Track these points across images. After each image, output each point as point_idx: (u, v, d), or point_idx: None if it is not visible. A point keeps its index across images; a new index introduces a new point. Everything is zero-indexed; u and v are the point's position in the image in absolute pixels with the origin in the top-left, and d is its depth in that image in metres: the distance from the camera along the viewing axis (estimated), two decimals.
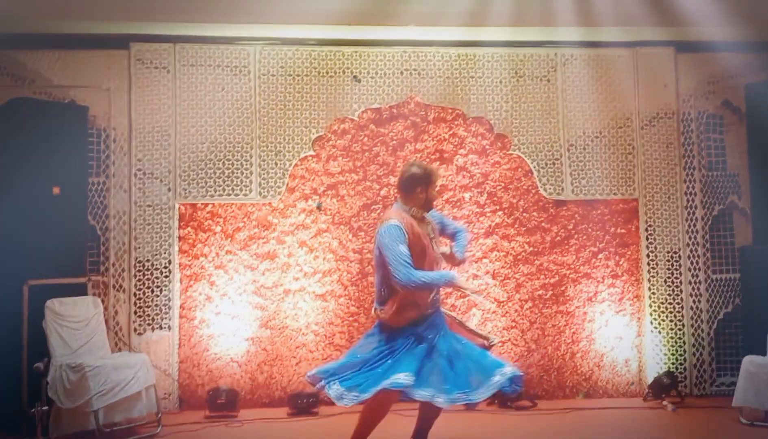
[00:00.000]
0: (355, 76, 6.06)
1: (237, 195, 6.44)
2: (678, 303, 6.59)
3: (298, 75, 6.53)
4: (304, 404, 6.03)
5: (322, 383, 4.37)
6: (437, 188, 4.64)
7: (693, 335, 6.57)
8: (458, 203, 6.62)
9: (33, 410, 5.07)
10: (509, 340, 6.55)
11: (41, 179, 5.66)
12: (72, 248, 5.91)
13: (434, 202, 4.60)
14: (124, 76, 6.34)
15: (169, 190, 6.36)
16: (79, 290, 5.89)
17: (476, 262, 6.58)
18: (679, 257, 6.62)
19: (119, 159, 6.33)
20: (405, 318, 4.35)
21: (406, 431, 4.76)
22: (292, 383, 6.38)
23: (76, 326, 5.58)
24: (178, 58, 6.41)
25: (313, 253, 6.50)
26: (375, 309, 4.49)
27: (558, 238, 6.66)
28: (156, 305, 6.29)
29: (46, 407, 5.07)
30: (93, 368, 5.19)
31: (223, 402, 6.00)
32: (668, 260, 6.62)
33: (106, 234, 6.28)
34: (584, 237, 6.65)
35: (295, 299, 6.46)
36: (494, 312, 6.54)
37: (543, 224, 6.66)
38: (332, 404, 6.18)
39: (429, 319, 4.43)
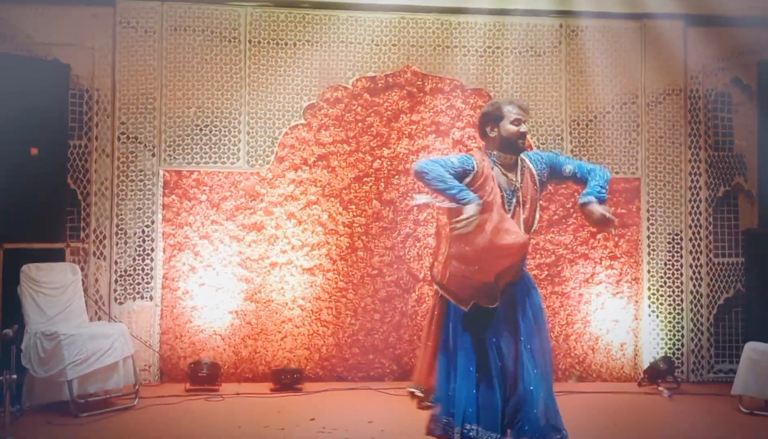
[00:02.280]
0: None
1: (224, 163, 6.21)
2: (677, 287, 6.38)
3: (290, 39, 6.27)
4: (288, 379, 5.87)
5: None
6: (518, 122, 3.64)
7: (692, 320, 6.37)
8: None
9: (1, 378, 4.87)
10: None
11: (19, 139, 5.44)
12: (50, 213, 5.71)
13: (521, 143, 3.68)
14: (109, 34, 6.09)
15: (153, 155, 6.13)
16: (57, 256, 5.73)
17: None
18: (681, 239, 6.40)
19: (102, 122, 6.10)
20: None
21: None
22: (277, 358, 6.20)
23: (52, 292, 5.41)
24: (166, 18, 6.15)
25: (301, 225, 6.29)
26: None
27: (556, 216, 6.43)
28: (138, 275, 6.09)
29: (15, 375, 4.86)
30: (68, 337, 5.04)
31: (204, 376, 5.84)
32: (669, 242, 6.40)
33: (87, 199, 6.07)
34: (583, 216, 6.40)
35: (282, 273, 6.25)
36: None
37: (540, 202, 6.37)
38: (316, 380, 6.14)
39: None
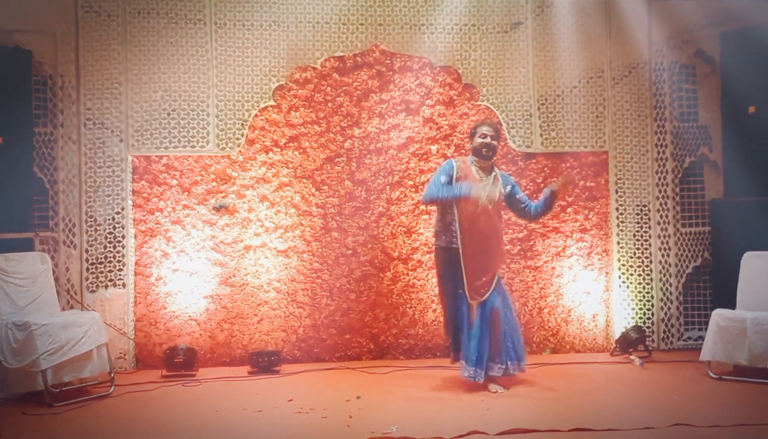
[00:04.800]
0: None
1: (193, 147, 6.16)
2: (647, 257, 6.50)
3: (256, 21, 6.21)
4: (265, 362, 5.86)
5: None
6: (483, 137, 5.18)
7: (661, 289, 6.50)
8: (425, 156, 6.40)
9: None
10: None
11: None
12: (17, 202, 5.66)
13: (485, 151, 5.18)
14: (71, 19, 5.96)
15: (121, 141, 6.06)
16: (26, 246, 5.65)
17: None
18: (649, 210, 6.51)
19: (67, 108, 5.99)
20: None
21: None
22: (254, 342, 6.20)
23: (22, 282, 5.34)
24: (128, 1, 6.04)
25: (274, 207, 6.27)
26: None
27: (527, 191, 6.45)
28: (109, 262, 6.03)
29: None
30: (40, 327, 4.97)
31: (180, 361, 5.81)
32: (637, 214, 6.51)
33: (55, 187, 5.97)
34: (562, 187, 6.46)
35: (256, 256, 6.24)
36: None
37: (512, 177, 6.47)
38: (294, 362, 6.16)
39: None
